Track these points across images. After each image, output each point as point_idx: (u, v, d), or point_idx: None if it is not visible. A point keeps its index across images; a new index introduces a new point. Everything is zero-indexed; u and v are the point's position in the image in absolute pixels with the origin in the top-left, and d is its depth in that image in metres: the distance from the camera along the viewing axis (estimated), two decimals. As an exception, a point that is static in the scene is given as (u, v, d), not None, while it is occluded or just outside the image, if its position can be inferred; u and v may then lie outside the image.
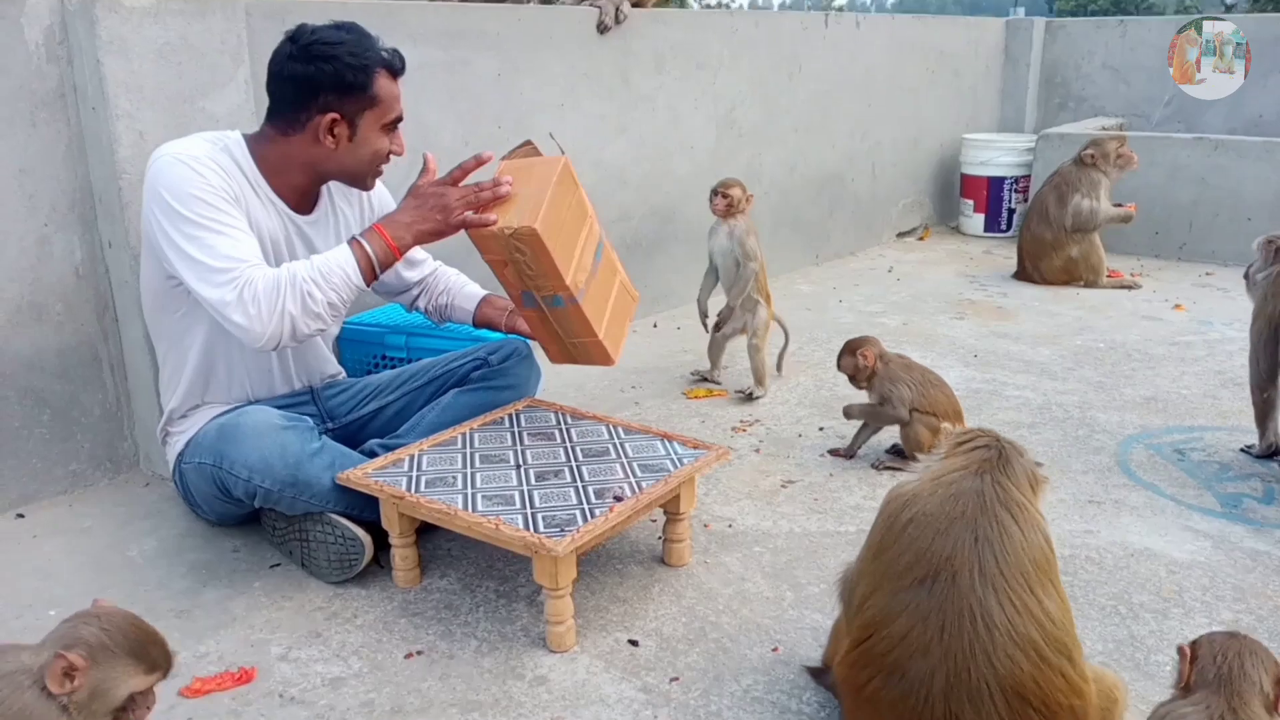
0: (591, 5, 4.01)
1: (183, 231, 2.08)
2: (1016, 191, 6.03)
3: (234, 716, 1.88)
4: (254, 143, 2.30)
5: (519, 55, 3.72)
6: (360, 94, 2.19)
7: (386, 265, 2.20)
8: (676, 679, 1.97)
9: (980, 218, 6.15)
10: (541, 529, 2.01)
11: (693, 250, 4.55)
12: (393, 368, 2.90)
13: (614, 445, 2.40)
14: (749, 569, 2.38)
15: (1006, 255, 5.50)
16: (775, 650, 2.05)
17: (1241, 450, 2.95)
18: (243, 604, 2.26)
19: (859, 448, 3.00)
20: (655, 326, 4.37)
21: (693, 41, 4.45)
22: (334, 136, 2.22)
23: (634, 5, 4.13)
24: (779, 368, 3.68)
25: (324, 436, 2.32)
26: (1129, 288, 4.86)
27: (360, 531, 2.26)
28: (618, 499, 2.13)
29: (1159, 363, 3.78)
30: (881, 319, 4.47)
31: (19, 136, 2.56)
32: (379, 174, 2.39)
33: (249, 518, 2.47)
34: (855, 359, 2.90)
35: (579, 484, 2.21)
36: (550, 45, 3.83)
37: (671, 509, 2.33)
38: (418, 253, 2.66)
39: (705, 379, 3.66)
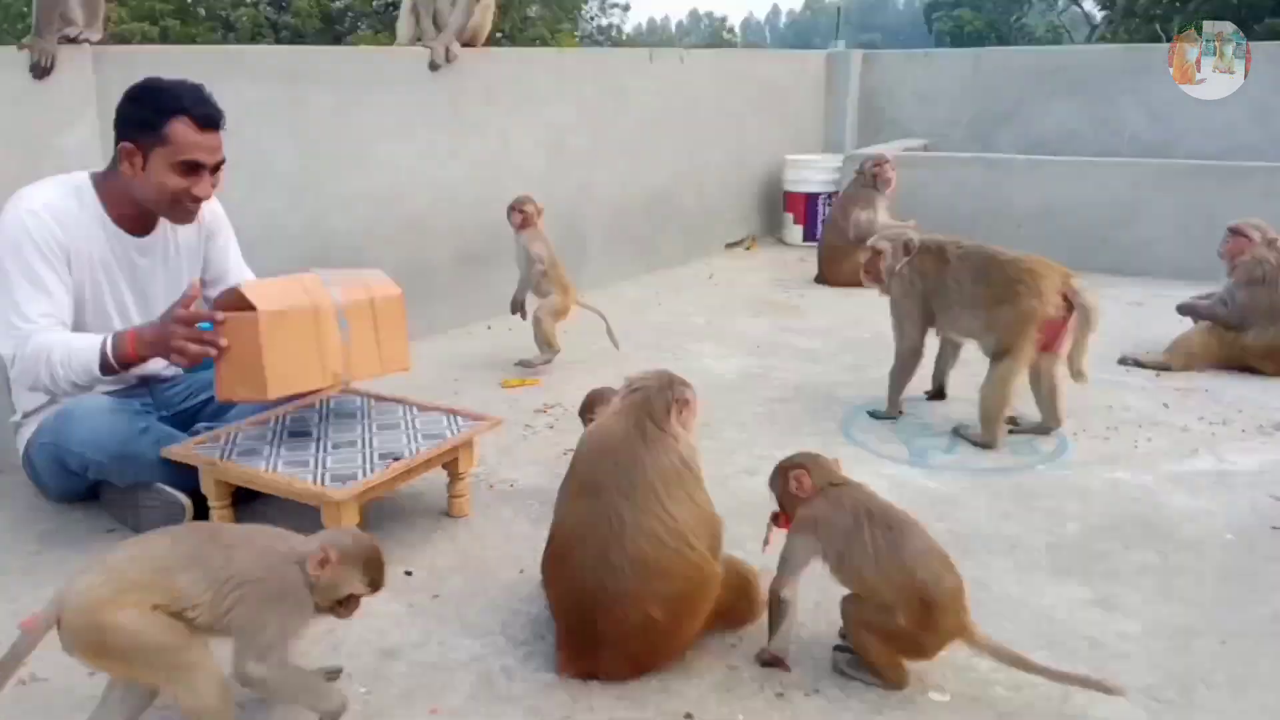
0: (424, 46, 4.54)
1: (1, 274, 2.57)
2: (829, 205, 6.75)
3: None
4: (99, 178, 2.76)
5: (355, 91, 4.22)
6: (152, 132, 2.64)
7: (126, 365, 2.58)
8: (437, 596, 2.49)
9: (800, 229, 6.86)
10: (327, 483, 2.52)
11: (525, 262, 5.10)
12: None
13: (405, 421, 2.92)
14: (518, 516, 2.92)
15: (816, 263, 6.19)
16: (521, 571, 2.59)
17: (870, 414, 3.63)
18: (80, 561, 2.68)
19: None
20: (489, 329, 4.89)
21: (522, 76, 5.01)
22: (131, 165, 2.67)
23: (465, 45, 4.67)
24: (614, 343, 4.26)
25: (151, 417, 2.78)
26: (913, 288, 5.58)
27: (182, 496, 2.72)
28: (395, 459, 2.65)
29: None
30: (690, 318, 5.09)
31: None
32: (184, 210, 2.75)
33: (89, 494, 2.87)
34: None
35: (366, 450, 2.72)
36: (384, 82, 4.35)
37: (453, 469, 2.86)
38: (228, 267, 3.08)
39: (528, 364, 4.21)
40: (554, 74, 5.20)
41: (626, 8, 32.20)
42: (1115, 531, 2.76)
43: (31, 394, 2.80)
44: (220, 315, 2.49)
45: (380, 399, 3.09)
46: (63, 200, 2.67)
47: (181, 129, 2.64)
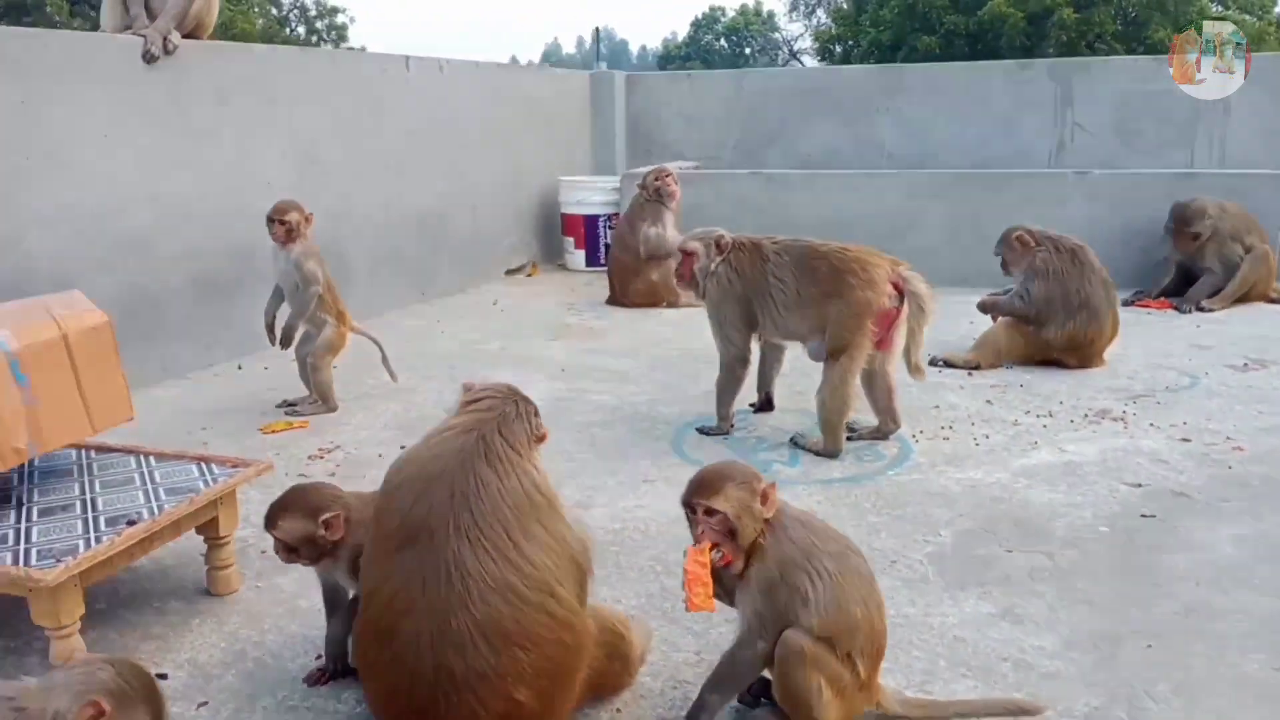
0: (135, 34, 3.78)
1: None
2: (610, 227, 6.44)
3: None
4: None
5: (49, 84, 3.42)
6: None
7: None
8: (205, 703, 1.85)
9: (581, 253, 6.50)
10: (34, 562, 1.82)
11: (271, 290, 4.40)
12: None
13: (141, 474, 2.24)
14: (304, 586, 2.28)
15: (605, 286, 5.84)
16: (317, 658, 1.98)
17: (700, 431, 3.29)
18: None
19: None
20: (240, 369, 4.15)
21: (262, 76, 4.34)
22: None
23: (187, 36, 3.95)
24: (391, 375, 3.67)
25: None
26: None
27: None
28: (130, 523, 1.97)
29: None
30: (482, 345, 4.57)
31: None
32: None
33: None
34: (312, 526, 1.83)
35: (89, 515, 2.02)
36: (88, 73, 3.56)
37: (211, 533, 2.20)
38: None
39: (293, 405, 3.54)
40: (297, 75, 4.56)
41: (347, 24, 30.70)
42: (991, 535, 2.53)
43: None
44: None
45: (104, 449, 2.38)
46: None
47: None
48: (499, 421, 1.66)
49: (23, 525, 1.97)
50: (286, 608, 2.21)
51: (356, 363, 3.75)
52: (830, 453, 3.03)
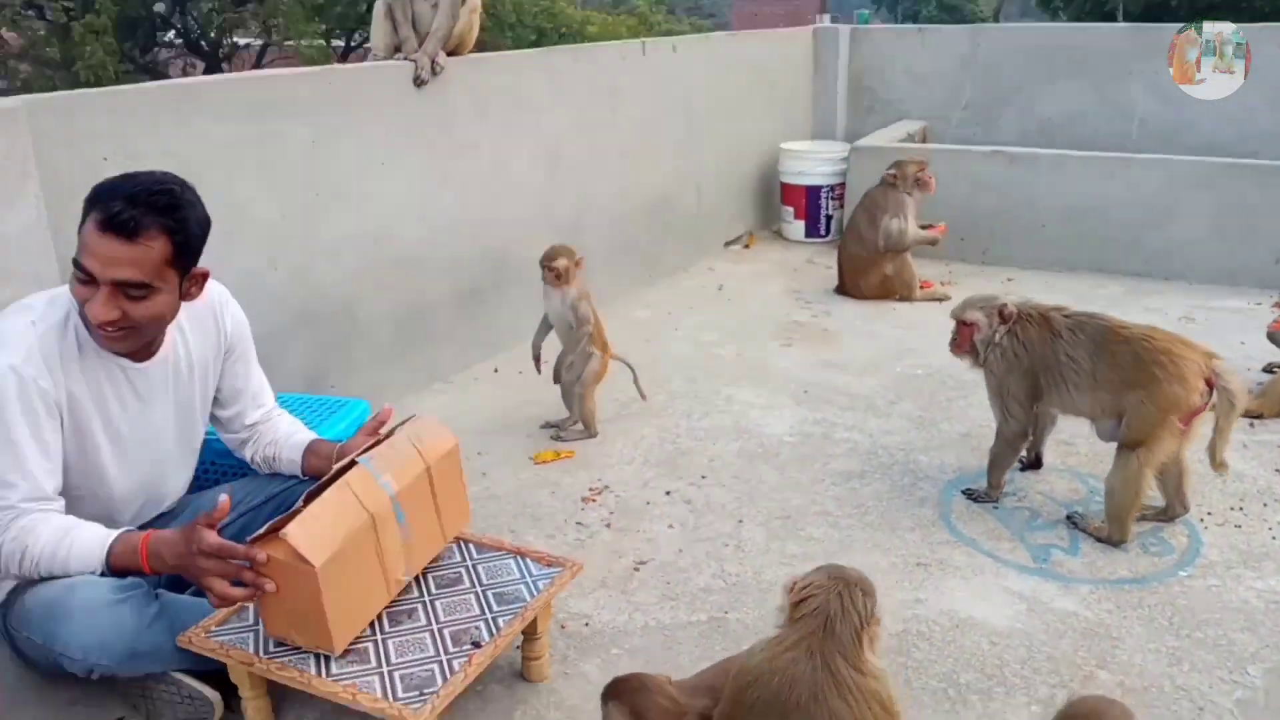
0: (406, 59, 3.88)
1: None
2: (833, 199, 6.28)
3: None
4: None
5: (334, 119, 3.57)
6: (81, 230, 2.04)
7: (132, 571, 2.10)
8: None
9: (801, 224, 6.37)
10: (399, 694, 1.99)
11: (528, 291, 4.49)
12: (233, 479, 2.74)
13: (467, 570, 2.39)
14: (605, 674, 2.42)
15: (828, 264, 5.72)
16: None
17: (968, 496, 3.20)
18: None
19: None
20: (496, 371, 4.34)
21: (514, 85, 4.39)
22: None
23: (450, 54, 4.02)
24: (641, 394, 3.80)
25: (159, 593, 2.21)
26: (940, 299, 5.16)
27: (208, 691, 2.18)
28: (476, 645, 2.13)
29: (970, 390, 4.02)
30: (717, 349, 4.59)
31: None
32: (105, 340, 2.11)
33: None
34: None
35: (434, 626, 2.19)
36: (366, 105, 3.70)
37: (528, 631, 2.35)
38: (247, 388, 2.52)
39: (558, 428, 3.69)
40: (546, 77, 4.57)
41: None
42: (1307, 674, 2.41)
43: None
44: (262, 556, 1.95)
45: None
46: (46, 344, 2.08)
47: (90, 223, 2.01)
48: (834, 636, 1.68)
49: (378, 639, 2.16)
50: (597, 705, 2.34)
51: (606, 383, 3.82)
52: (1115, 542, 2.92)
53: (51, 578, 2.08)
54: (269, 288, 3.44)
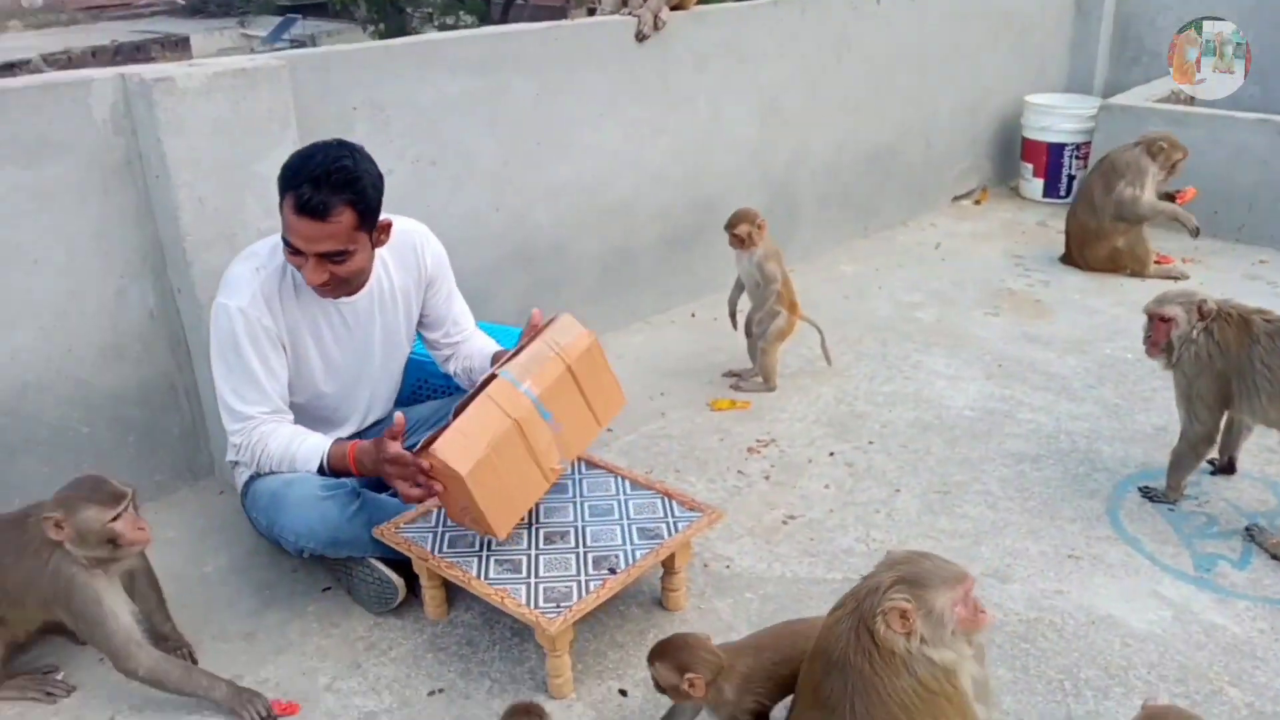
0: (630, 14, 4.08)
1: (219, 374, 2.53)
2: (1078, 158, 5.93)
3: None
4: None
5: (557, 74, 3.85)
6: (281, 205, 2.42)
7: (342, 473, 2.55)
8: (656, 731, 2.27)
9: (1039, 182, 6.08)
10: (540, 603, 2.31)
11: (733, 240, 4.69)
12: (435, 398, 3.16)
13: (618, 503, 2.67)
14: (737, 616, 2.64)
15: (1060, 229, 5.44)
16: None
17: (1143, 493, 3.09)
18: (298, 629, 2.63)
19: None
20: (693, 316, 4.56)
21: (735, 38, 4.48)
22: None
23: (674, 8, 4.18)
24: (827, 358, 3.92)
25: (362, 493, 2.63)
26: (1176, 278, 4.83)
27: (394, 576, 2.60)
28: (612, 571, 2.41)
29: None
30: (918, 312, 4.57)
31: (94, 203, 2.86)
32: (325, 290, 2.50)
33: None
34: (675, 679, 2.06)
35: (580, 550, 2.49)
36: (588, 60, 3.94)
37: (668, 564, 2.60)
38: (449, 314, 2.87)
39: (738, 377, 3.87)
40: (770, 31, 4.63)
41: None
42: None
43: None
44: (426, 464, 2.31)
45: (593, 465, 2.84)
46: (267, 286, 2.52)
47: (287, 207, 2.38)
48: (865, 614, 1.78)
49: (534, 551, 2.48)
50: (722, 638, 2.54)
51: (793, 340, 3.94)
52: (1292, 558, 2.77)
53: (280, 473, 2.54)
54: (490, 228, 3.82)
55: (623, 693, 2.40)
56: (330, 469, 2.54)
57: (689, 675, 2.03)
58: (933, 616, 1.73)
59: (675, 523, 2.59)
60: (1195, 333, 2.88)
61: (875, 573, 1.85)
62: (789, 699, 2.09)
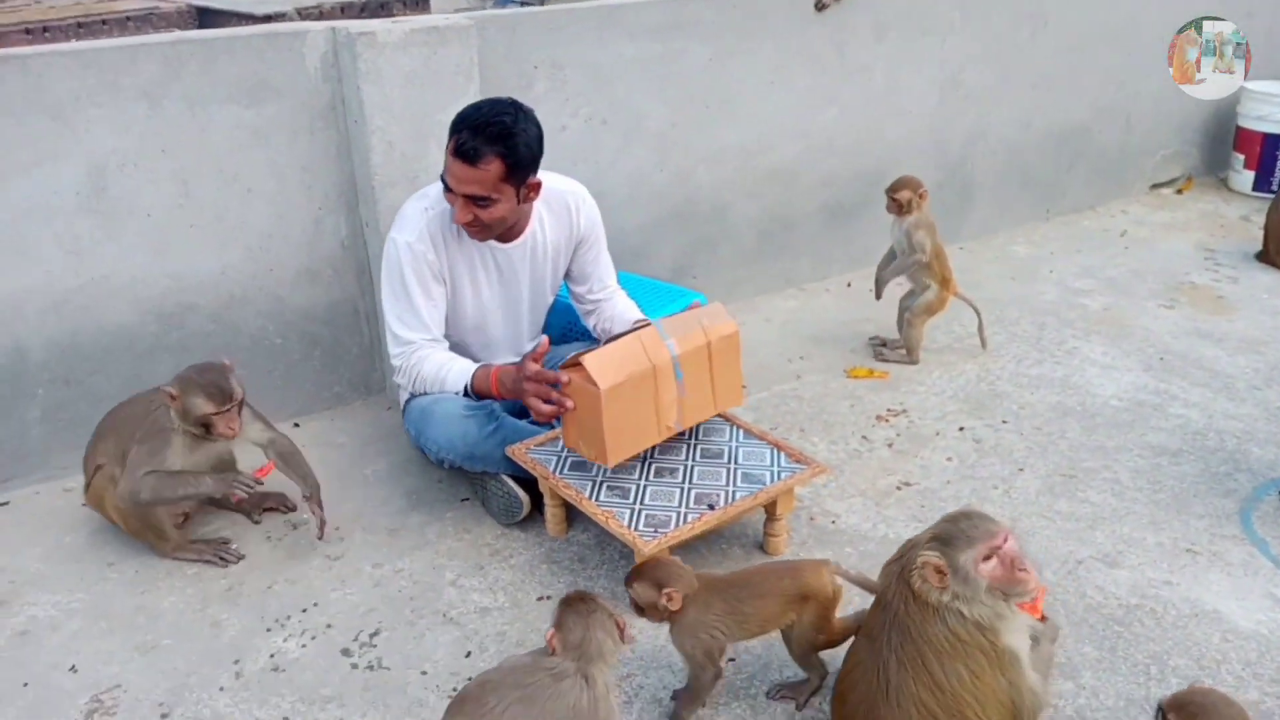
0: (812, -17, 4.16)
1: (387, 303, 2.86)
2: (1298, 151, 5.50)
3: (410, 625, 2.58)
4: None
5: (731, 41, 3.99)
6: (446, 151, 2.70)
7: (485, 395, 2.82)
8: (733, 659, 2.45)
9: (1250, 175, 5.68)
10: (640, 527, 2.52)
11: (899, 213, 4.70)
12: (584, 341, 3.42)
13: (729, 449, 2.84)
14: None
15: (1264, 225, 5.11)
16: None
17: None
18: (435, 530, 2.97)
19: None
20: (849, 285, 4.61)
21: (919, 8, 4.46)
22: None
23: (856, -22, 4.22)
24: (983, 342, 3.92)
25: (500, 415, 2.93)
26: (1390, 284, 4.45)
27: (521, 493, 2.88)
28: (710, 507, 2.59)
29: (1364, 391, 3.59)
30: (1084, 298, 4.44)
31: (302, 142, 3.27)
32: (471, 230, 2.76)
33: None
34: (654, 595, 2.14)
35: (685, 486, 2.68)
36: (763, 28, 4.06)
37: (770, 511, 2.75)
38: (595, 272, 3.12)
39: (883, 346, 3.93)
40: (958, 2, 4.56)
41: None
42: None
43: None
44: (565, 378, 2.54)
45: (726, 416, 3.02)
46: (433, 225, 2.82)
47: (449, 148, 2.65)
48: (903, 569, 1.88)
49: (640, 484, 2.69)
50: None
51: (950, 317, 3.95)
52: None
53: (431, 393, 2.87)
54: (654, 186, 4.03)
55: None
56: (474, 391, 2.84)
57: (667, 590, 2.10)
58: (959, 573, 1.82)
59: (779, 472, 2.73)
60: None
61: (926, 536, 1.94)
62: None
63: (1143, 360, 3.87)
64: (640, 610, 2.19)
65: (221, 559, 2.79)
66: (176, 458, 2.67)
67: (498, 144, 2.60)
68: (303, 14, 5.96)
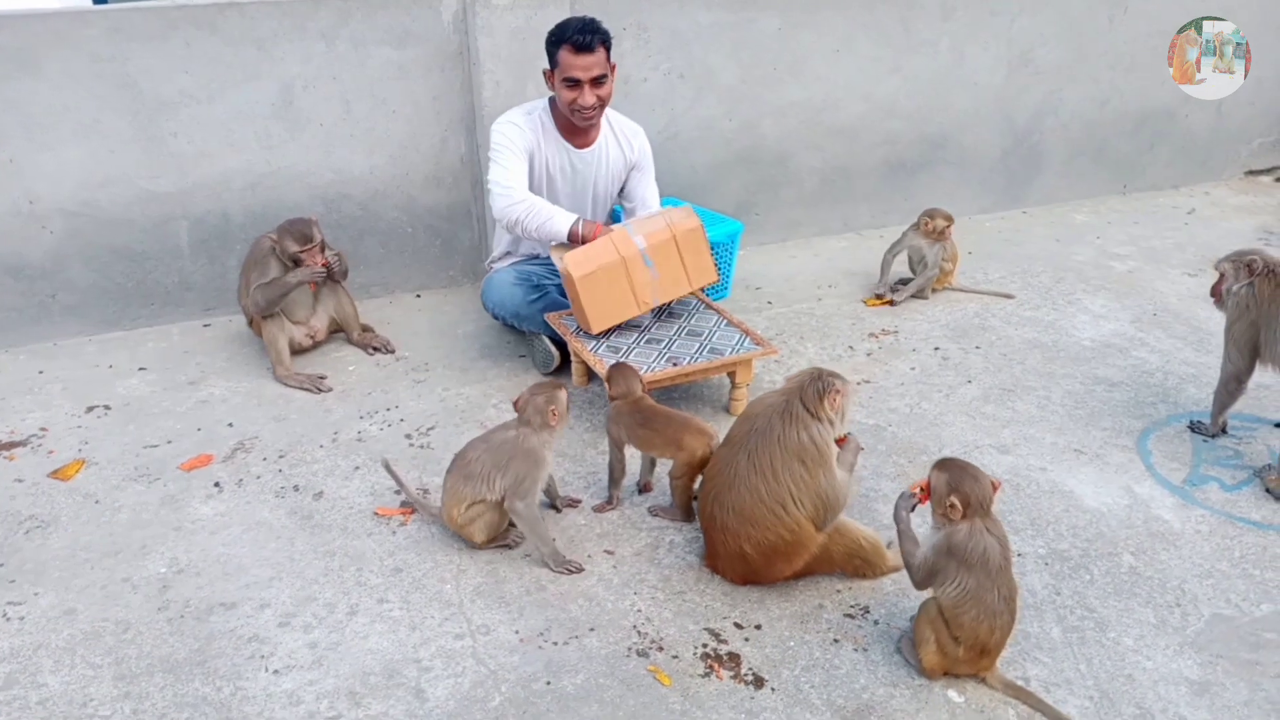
0: (878, -35, 4.78)
1: (495, 171, 3.67)
2: (1403, 144, 5.53)
3: (455, 426, 3.56)
4: (551, 103, 3.76)
5: (799, 13, 4.70)
6: (552, 57, 3.57)
7: (580, 240, 3.56)
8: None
9: (1353, 167, 5.74)
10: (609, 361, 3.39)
11: (961, 174, 5.31)
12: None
13: (708, 330, 3.65)
14: (779, 430, 3.51)
15: (1348, 213, 5.28)
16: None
17: (1190, 426, 3.44)
18: (494, 372, 3.93)
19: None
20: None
21: (988, -12, 4.98)
22: (550, 85, 3.63)
23: (925, -38, 4.80)
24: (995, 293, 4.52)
25: (544, 288, 3.85)
26: None
27: (554, 349, 3.81)
28: (674, 363, 3.42)
29: None
30: (1114, 263, 4.87)
31: (434, 77, 4.29)
32: (580, 117, 3.60)
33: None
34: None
35: (664, 350, 3.52)
36: (831, 3, 4.73)
37: (733, 378, 3.55)
38: (641, 194, 3.94)
39: (903, 287, 4.57)
40: (1034, -18, 5.04)
41: None
42: (1320, 631, 2.56)
43: (497, 244, 4.04)
44: (563, 271, 3.46)
45: (708, 307, 3.83)
46: (528, 118, 3.72)
47: (564, 54, 3.52)
48: (801, 392, 2.62)
49: (634, 346, 3.55)
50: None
51: (975, 264, 4.53)
52: (1277, 495, 3.06)
53: (530, 232, 3.64)
54: (722, 133, 4.81)
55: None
56: (572, 235, 3.57)
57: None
58: (839, 413, 2.58)
59: (737, 347, 3.52)
60: (1239, 286, 3.20)
61: (811, 374, 2.67)
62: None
63: (1135, 314, 4.32)
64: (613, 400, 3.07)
65: (318, 388, 3.84)
66: (273, 272, 3.76)
67: (599, 34, 3.52)
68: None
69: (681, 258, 3.57)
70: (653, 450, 3.03)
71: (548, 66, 3.62)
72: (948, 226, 4.39)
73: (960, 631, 2.33)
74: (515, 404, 2.85)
